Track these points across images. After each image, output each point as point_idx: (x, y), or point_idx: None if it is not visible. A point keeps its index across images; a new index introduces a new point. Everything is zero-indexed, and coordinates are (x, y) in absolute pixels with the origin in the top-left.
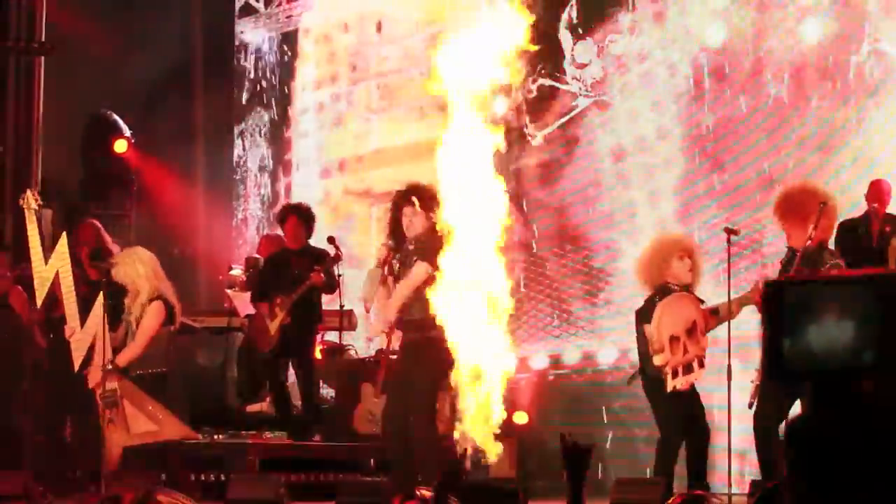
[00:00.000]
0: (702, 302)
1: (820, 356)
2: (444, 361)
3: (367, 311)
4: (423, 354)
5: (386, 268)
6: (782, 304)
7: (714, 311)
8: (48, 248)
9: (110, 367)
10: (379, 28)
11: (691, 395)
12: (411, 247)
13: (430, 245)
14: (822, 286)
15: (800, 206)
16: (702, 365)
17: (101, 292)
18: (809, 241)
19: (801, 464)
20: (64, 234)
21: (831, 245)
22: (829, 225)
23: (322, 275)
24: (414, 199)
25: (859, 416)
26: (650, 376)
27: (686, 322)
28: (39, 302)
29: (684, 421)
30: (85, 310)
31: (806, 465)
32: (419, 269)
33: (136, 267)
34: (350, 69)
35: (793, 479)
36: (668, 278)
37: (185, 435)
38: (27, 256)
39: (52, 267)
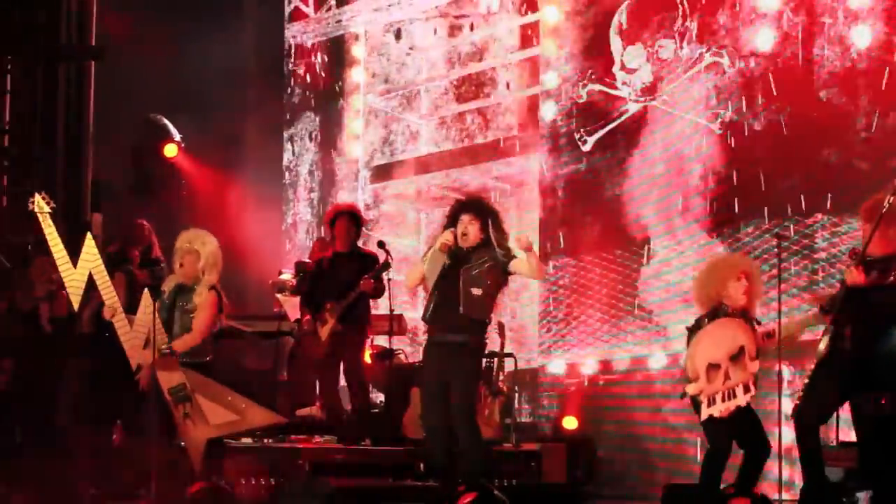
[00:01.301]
0: (758, 323)
1: None
2: (477, 367)
3: (414, 294)
4: (462, 356)
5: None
6: (867, 307)
7: (769, 335)
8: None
9: (167, 350)
10: (426, 33)
11: (741, 413)
12: (467, 251)
13: (504, 249)
14: None
15: (871, 211)
16: (748, 390)
17: (147, 295)
18: (870, 244)
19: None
20: (88, 234)
21: None
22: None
23: (371, 281)
24: (473, 209)
25: None
26: (693, 400)
27: (731, 348)
28: (76, 306)
29: (738, 435)
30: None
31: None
32: (527, 258)
33: (217, 252)
34: (399, 74)
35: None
36: (723, 300)
37: (272, 420)
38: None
39: (82, 269)
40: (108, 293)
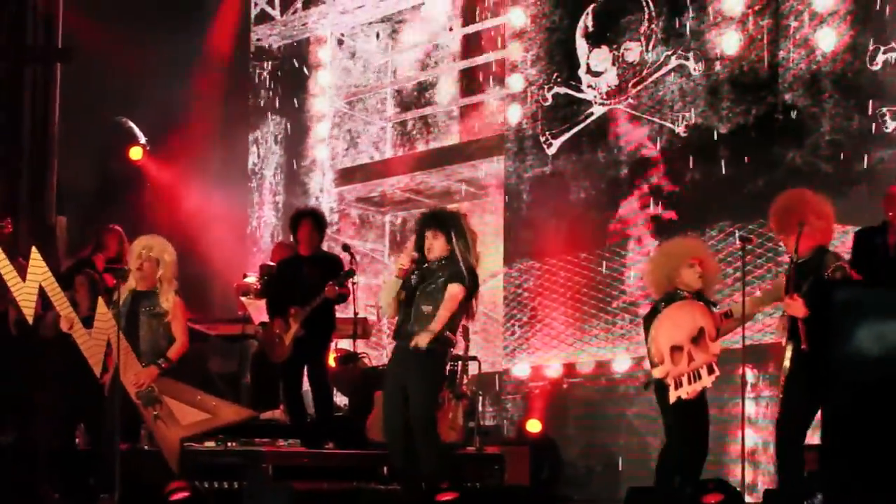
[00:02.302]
0: (714, 305)
1: (874, 362)
2: (437, 374)
3: (379, 320)
4: (419, 363)
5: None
6: (830, 307)
7: (727, 314)
8: (64, 255)
9: (164, 364)
10: (394, 36)
11: (698, 405)
12: (433, 266)
13: (456, 267)
14: (872, 289)
15: (784, 220)
16: (711, 371)
17: (101, 303)
18: (794, 258)
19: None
20: (34, 247)
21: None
22: (824, 228)
23: (336, 287)
24: (435, 223)
25: None
26: (659, 384)
27: (691, 330)
28: (30, 319)
29: (689, 430)
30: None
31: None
32: (454, 290)
33: (175, 258)
34: (364, 77)
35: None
36: (677, 285)
37: (242, 415)
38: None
39: (31, 283)
40: (62, 304)
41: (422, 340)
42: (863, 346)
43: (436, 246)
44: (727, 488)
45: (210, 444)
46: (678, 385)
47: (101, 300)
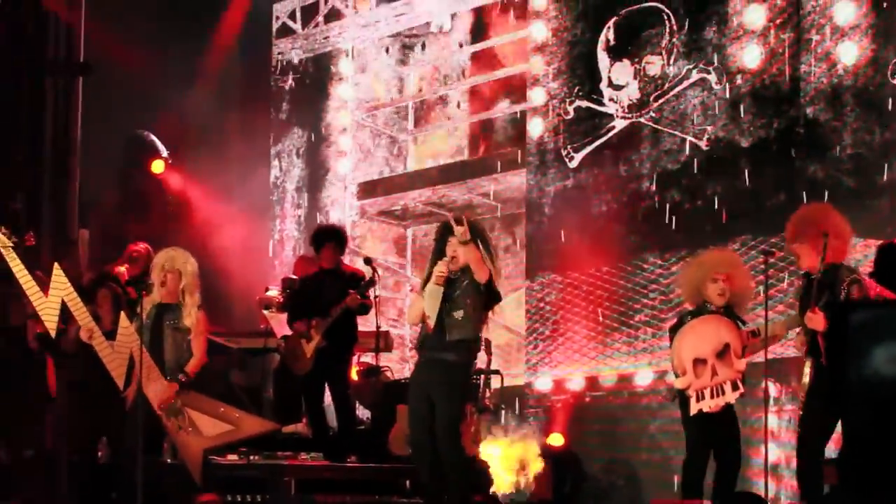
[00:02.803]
0: (743, 323)
1: (891, 383)
2: (463, 386)
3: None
4: (445, 372)
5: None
6: (847, 327)
7: (754, 333)
8: (86, 269)
9: (182, 379)
10: (413, 49)
11: (724, 419)
12: (455, 275)
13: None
14: (889, 310)
15: (804, 234)
16: (736, 387)
17: (124, 317)
18: (820, 268)
19: (859, 479)
20: (56, 265)
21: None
22: (840, 248)
23: (357, 297)
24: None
25: None
26: (683, 395)
27: (716, 344)
28: (53, 333)
29: (716, 444)
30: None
31: (863, 479)
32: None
33: (197, 271)
34: (386, 90)
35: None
36: (705, 299)
37: (266, 428)
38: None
39: (54, 298)
40: (83, 317)
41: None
42: (880, 368)
43: (461, 252)
44: (757, 501)
45: (233, 457)
46: (700, 398)
47: (123, 314)
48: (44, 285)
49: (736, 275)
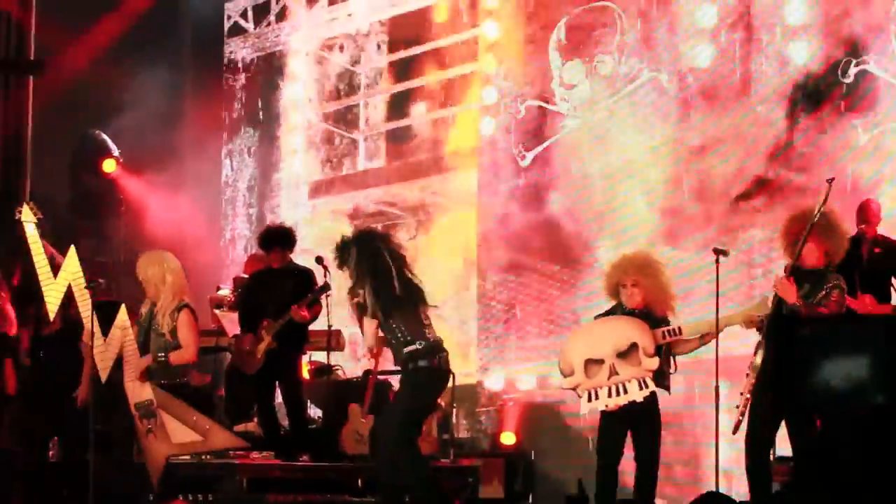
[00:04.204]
0: (664, 322)
1: (837, 393)
2: (416, 387)
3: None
4: (407, 376)
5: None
6: (795, 339)
7: (671, 332)
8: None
9: (161, 358)
10: (364, 48)
11: (635, 417)
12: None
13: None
14: (836, 323)
15: (797, 226)
16: (644, 386)
17: (123, 310)
18: (801, 256)
19: (809, 481)
20: (72, 247)
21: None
22: (836, 244)
23: (302, 310)
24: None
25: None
26: None
27: (618, 344)
28: (52, 316)
29: (634, 441)
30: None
31: (814, 482)
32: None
33: (165, 275)
34: (337, 89)
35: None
36: (620, 300)
37: (233, 444)
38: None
39: (62, 280)
40: (85, 308)
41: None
42: (830, 382)
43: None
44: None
45: (185, 456)
46: (593, 397)
47: (123, 308)
48: (54, 266)
49: (643, 280)
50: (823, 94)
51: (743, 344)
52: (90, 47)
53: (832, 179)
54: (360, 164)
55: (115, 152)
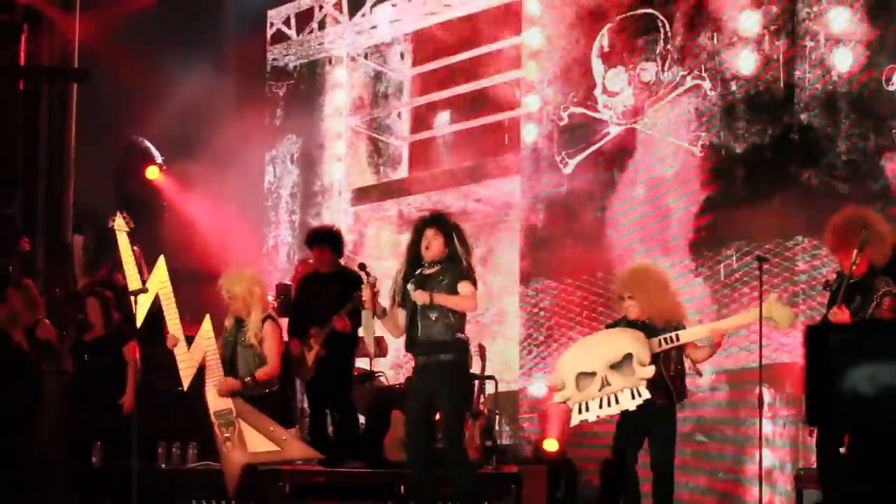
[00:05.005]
0: (663, 331)
1: (869, 402)
2: (470, 385)
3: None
4: (448, 378)
5: (395, 297)
6: (825, 347)
7: (665, 340)
8: (80, 274)
9: (248, 381)
10: (406, 56)
11: (647, 426)
12: (430, 272)
13: (459, 268)
14: (867, 331)
15: (843, 236)
16: (636, 395)
17: (207, 320)
18: (854, 268)
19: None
20: (161, 257)
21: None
22: (881, 250)
23: (345, 321)
24: (436, 224)
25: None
26: None
27: (612, 356)
28: (140, 323)
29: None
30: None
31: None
32: (466, 289)
33: (253, 288)
34: (380, 96)
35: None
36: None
37: (308, 455)
38: (59, 283)
39: (151, 290)
40: (172, 317)
41: (421, 297)
42: (858, 388)
43: (434, 245)
44: None
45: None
46: (583, 409)
47: (207, 318)
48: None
49: (638, 293)
50: (866, 102)
51: (788, 353)
52: (133, 52)
53: (866, 229)
54: (403, 170)
55: (159, 159)
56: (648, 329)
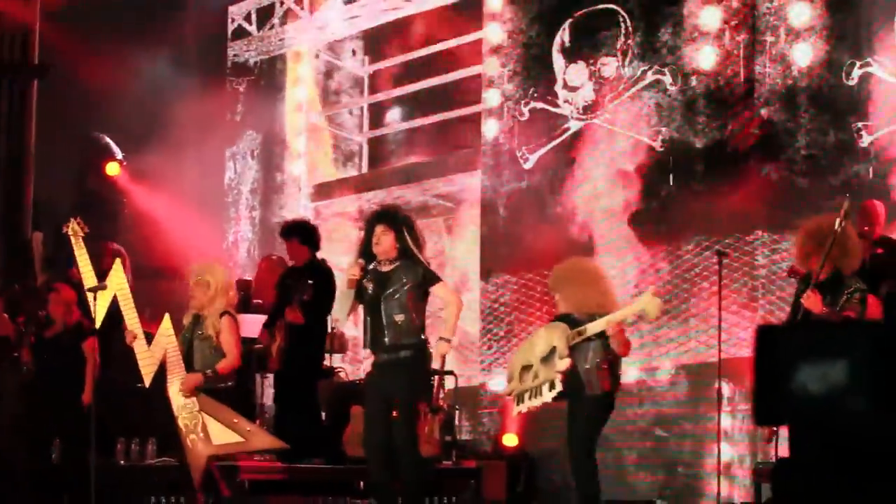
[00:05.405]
0: (580, 324)
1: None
2: (429, 384)
3: (333, 329)
4: (409, 376)
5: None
6: (775, 345)
7: (579, 332)
8: (40, 271)
9: (209, 374)
10: (368, 51)
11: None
12: (387, 270)
13: (422, 270)
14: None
15: (811, 248)
16: (552, 387)
17: (167, 318)
18: (820, 271)
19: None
20: (118, 260)
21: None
22: (848, 262)
23: (296, 312)
24: (386, 220)
25: (844, 461)
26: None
27: (543, 349)
28: (98, 324)
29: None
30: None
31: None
32: (448, 293)
33: (225, 283)
34: (340, 92)
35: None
36: None
37: (274, 445)
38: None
39: (109, 290)
40: (131, 318)
41: (444, 349)
42: (808, 386)
43: (384, 241)
44: None
45: (226, 457)
46: (519, 401)
47: (167, 316)
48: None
49: (562, 290)
50: (826, 97)
51: (747, 348)
52: (93, 48)
53: (849, 196)
54: (364, 166)
55: (119, 156)
56: (573, 323)
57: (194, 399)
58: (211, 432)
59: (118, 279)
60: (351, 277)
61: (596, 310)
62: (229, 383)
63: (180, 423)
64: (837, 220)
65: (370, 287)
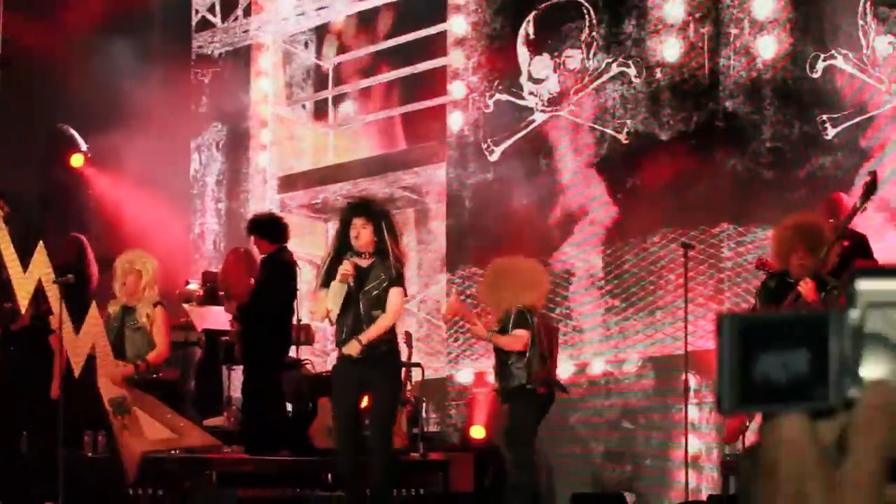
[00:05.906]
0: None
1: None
2: (400, 375)
3: (332, 324)
4: (383, 367)
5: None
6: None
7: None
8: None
9: (141, 365)
10: (333, 43)
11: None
12: (366, 266)
13: (389, 269)
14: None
15: (798, 246)
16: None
17: (94, 307)
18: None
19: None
20: (41, 243)
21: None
22: (824, 262)
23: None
24: (365, 212)
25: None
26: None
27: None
28: (23, 310)
29: None
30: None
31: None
32: (398, 298)
33: (155, 274)
34: (306, 84)
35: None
36: None
37: (207, 442)
38: None
39: (32, 274)
40: (55, 302)
41: (353, 349)
42: (770, 374)
43: (363, 234)
44: None
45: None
46: None
47: (94, 305)
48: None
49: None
50: (791, 89)
51: (713, 340)
52: (57, 39)
53: (874, 173)
54: (329, 158)
55: (83, 147)
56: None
57: (125, 392)
58: (144, 427)
59: (41, 263)
60: (344, 272)
61: (500, 307)
62: (159, 374)
63: (112, 416)
64: (858, 200)
65: (349, 282)
